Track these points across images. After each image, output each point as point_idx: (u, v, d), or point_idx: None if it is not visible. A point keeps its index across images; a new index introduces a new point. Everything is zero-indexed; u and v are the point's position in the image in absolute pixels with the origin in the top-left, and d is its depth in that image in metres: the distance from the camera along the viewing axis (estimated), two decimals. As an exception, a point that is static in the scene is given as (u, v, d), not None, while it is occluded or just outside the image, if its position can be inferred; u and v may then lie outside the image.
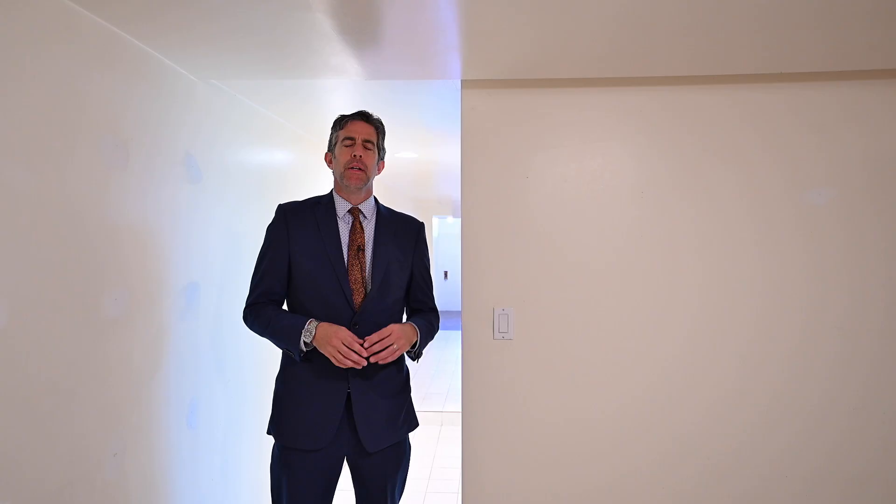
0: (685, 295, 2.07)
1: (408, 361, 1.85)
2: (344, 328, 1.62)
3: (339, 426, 1.68)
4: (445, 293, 9.82)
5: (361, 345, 1.62)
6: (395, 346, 1.65)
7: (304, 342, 1.63)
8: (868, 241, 2.02)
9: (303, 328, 1.63)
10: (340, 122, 1.80)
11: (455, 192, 6.80)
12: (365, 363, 1.60)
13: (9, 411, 1.34)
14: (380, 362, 1.64)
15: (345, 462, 1.76)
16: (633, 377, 2.09)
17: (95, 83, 1.61)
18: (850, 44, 1.75)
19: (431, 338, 1.84)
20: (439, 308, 1.96)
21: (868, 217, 2.02)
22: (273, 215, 1.80)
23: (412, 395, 1.87)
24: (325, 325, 1.63)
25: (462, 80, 2.11)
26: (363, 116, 1.79)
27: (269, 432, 1.77)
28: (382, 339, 1.64)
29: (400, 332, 1.68)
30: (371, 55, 1.87)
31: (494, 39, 1.73)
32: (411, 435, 1.85)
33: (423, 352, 1.81)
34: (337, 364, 1.60)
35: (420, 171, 5.14)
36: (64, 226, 1.50)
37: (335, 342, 1.59)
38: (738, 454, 2.07)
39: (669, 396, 2.09)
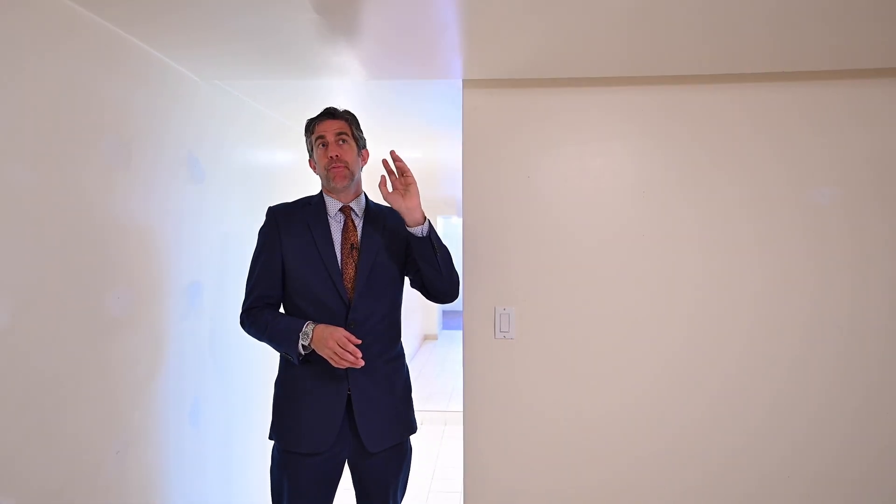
0: (687, 294, 2.07)
1: (409, 361, 1.85)
2: (340, 328, 1.60)
3: (340, 428, 1.67)
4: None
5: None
6: (412, 181, 1.63)
7: (302, 345, 1.61)
8: (873, 240, 2.01)
9: (300, 331, 1.61)
10: (310, 127, 1.76)
11: (459, 192, 6.77)
12: (363, 363, 1.58)
13: (11, 409, 1.35)
14: (397, 169, 1.62)
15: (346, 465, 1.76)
16: (634, 377, 2.09)
17: (98, 84, 1.62)
18: (856, 42, 1.74)
19: (446, 249, 1.72)
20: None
21: (873, 217, 2.01)
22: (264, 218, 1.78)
23: (414, 395, 1.87)
24: (321, 326, 1.61)
25: (463, 80, 2.10)
26: (329, 114, 1.74)
27: (270, 437, 1.76)
28: (405, 168, 1.62)
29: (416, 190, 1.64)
30: (372, 55, 1.88)
31: (496, 39, 1.73)
32: (414, 434, 1.85)
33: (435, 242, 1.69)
34: (335, 365, 1.58)
35: (424, 171, 5.14)
36: (67, 225, 1.51)
37: (331, 343, 1.57)
38: (742, 453, 2.07)
39: (671, 396, 2.08)
